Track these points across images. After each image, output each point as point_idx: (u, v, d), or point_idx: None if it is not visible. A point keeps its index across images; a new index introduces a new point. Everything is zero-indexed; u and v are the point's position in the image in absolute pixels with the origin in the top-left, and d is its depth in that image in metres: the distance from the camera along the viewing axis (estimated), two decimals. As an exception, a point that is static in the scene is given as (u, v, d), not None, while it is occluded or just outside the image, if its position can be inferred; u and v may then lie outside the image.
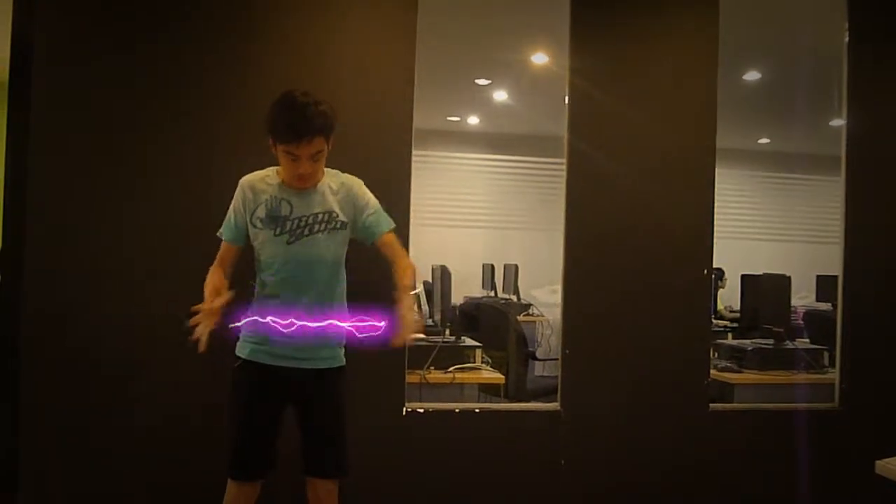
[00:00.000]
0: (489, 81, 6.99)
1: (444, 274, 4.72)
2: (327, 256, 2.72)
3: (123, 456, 3.41)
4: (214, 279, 2.69)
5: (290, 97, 2.61)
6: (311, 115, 2.57)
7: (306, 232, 2.70)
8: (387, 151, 3.62)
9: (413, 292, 2.65)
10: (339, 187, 2.79)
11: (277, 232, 2.69)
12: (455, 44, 5.57)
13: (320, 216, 2.72)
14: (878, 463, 2.44)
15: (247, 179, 2.77)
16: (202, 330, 2.43)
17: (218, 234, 2.79)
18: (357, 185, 2.82)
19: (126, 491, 3.42)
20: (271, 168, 2.80)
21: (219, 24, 3.54)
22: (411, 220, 3.64)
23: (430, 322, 5.03)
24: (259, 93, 3.38)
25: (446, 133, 8.71)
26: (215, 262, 2.77)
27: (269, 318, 2.69)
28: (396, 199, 3.61)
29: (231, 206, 2.77)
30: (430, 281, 5.68)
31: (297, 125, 2.56)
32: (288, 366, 2.72)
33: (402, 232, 3.59)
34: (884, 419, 3.92)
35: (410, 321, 2.53)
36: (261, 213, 2.71)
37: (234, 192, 2.79)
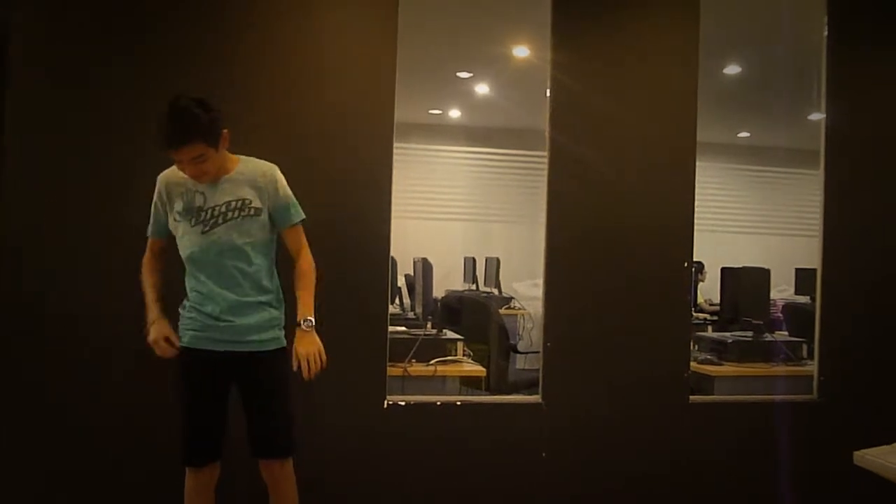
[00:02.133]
0: (471, 74, 6.98)
1: (425, 267, 4.72)
2: (242, 242, 2.75)
3: (99, 447, 3.41)
4: (147, 279, 2.88)
5: (168, 105, 2.62)
6: (181, 122, 2.60)
7: (220, 220, 2.75)
8: (369, 144, 3.61)
9: (309, 319, 2.79)
10: (252, 174, 2.82)
11: (193, 223, 2.75)
12: (436, 37, 5.56)
13: (232, 203, 2.77)
14: (856, 454, 2.46)
15: (163, 176, 2.86)
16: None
17: (147, 234, 2.92)
18: (272, 171, 2.85)
19: (103, 481, 3.42)
20: None
21: (199, 22, 3.52)
22: (393, 213, 3.63)
23: (411, 315, 5.03)
24: (240, 91, 3.42)
25: (428, 126, 8.68)
26: (144, 258, 2.92)
27: (202, 306, 2.77)
28: (378, 192, 3.62)
29: (152, 204, 2.87)
30: (412, 274, 5.67)
31: (168, 133, 2.60)
32: (227, 349, 2.77)
33: (384, 225, 3.61)
34: (862, 410, 3.96)
35: (310, 356, 2.74)
36: (178, 206, 2.79)
37: None
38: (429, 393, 3.91)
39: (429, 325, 4.48)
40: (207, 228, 2.73)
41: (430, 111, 8.36)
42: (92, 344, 3.40)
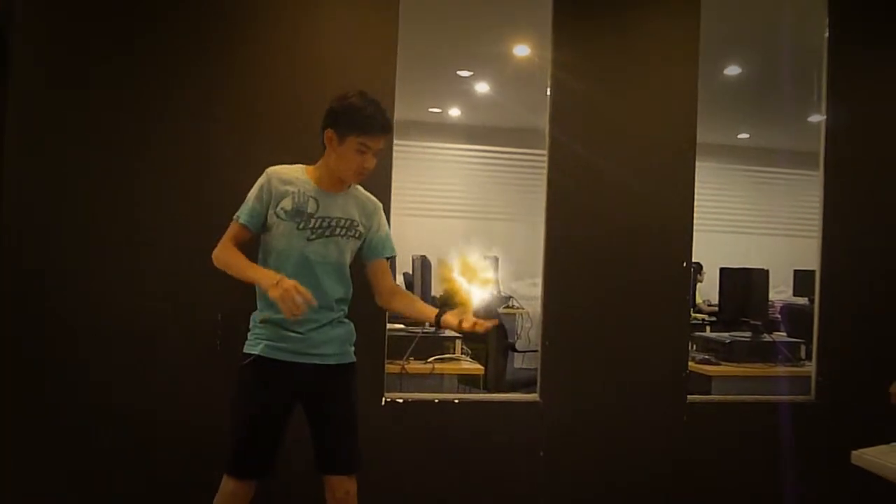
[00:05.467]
0: (471, 73, 6.98)
1: (424, 264, 4.72)
2: (342, 259, 2.78)
3: (109, 448, 3.41)
4: (239, 256, 2.70)
5: (366, 94, 2.71)
6: (386, 113, 2.72)
7: (328, 233, 2.74)
8: (368, 141, 3.60)
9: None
10: (363, 199, 2.88)
11: (300, 226, 2.72)
12: (437, 35, 5.56)
13: (343, 221, 2.78)
14: (854, 453, 2.47)
15: (274, 170, 2.79)
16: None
17: (235, 216, 2.76)
18: (379, 205, 2.94)
19: (104, 481, 3.42)
20: (299, 165, 2.83)
21: (199, 21, 3.52)
22: (392, 211, 3.63)
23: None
24: (240, 90, 3.43)
25: (428, 124, 8.68)
26: (226, 241, 2.74)
27: (280, 313, 2.64)
28: (378, 190, 3.60)
29: (253, 193, 2.76)
30: (410, 272, 5.67)
31: (381, 118, 2.69)
32: (303, 361, 2.73)
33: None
34: (859, 411, 3.95)
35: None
36: (287, 204, 2.72)
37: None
38: (426, 390, 3.91)
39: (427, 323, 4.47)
40: (314, 236, 2.72)
41: (430, 109, 8.36)
42: (93, 344, 3.39)
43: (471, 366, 4.32)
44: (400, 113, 3.64)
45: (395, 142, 3.63)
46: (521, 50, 5.93)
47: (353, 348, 2.87)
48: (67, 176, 3.41)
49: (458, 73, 6.92)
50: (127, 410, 3.39)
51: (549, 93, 3.83)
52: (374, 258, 2.89)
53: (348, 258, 2.82)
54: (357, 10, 3.67)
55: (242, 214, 2.75)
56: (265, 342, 2.73)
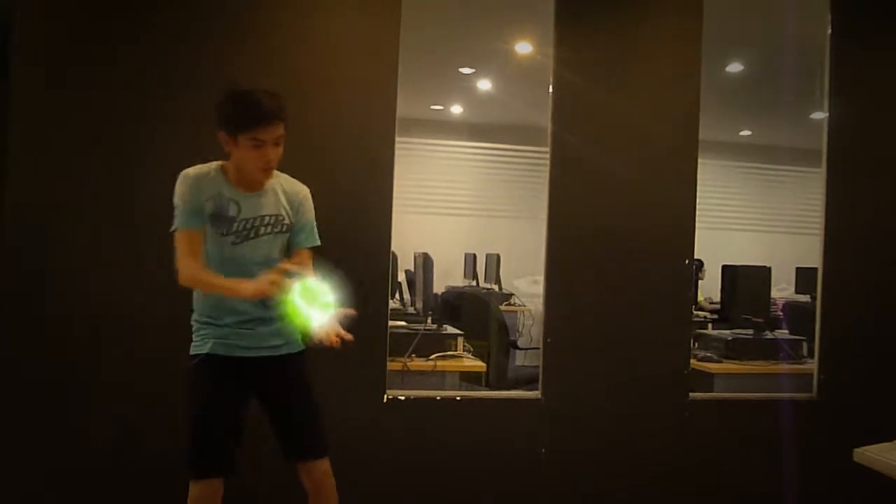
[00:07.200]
0: (473, 70, 6.98)
1: (426, 262, 4.71)
2: (272, 256, 2.68)
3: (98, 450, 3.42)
4: (219, 277, 2.60)
5: (243, 89, 2.56)
6: (270, 99, 2.56)
7: (252, 234, 2.66)
8: (371, 139, 3.61)
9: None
10: (290, 190, 2.76)
11: (224, 232, 2.63)
12: (439, 32, 5.56)
13: (267, 218, 2.68)
14: (856, 451, 2.46)
15: (191, 172, 2.66)
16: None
17: (173, 229, 2.62)
18: (306, 193, 2.79)
19: (102, 481, 3.42)
20: (212, 164, 2.70)
21: (201, 20, 3.52)
22: (394, 208, 3.63)
23: (411, 310, 5.03)
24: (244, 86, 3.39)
25: (430, 121, 8.68)
26: (188, 259, 2.59)
27: (219, 319, 2.67)
28: (380, 187, 3.62)
29: (178, 198, 2.62)
30: (412, 269, 5.67)
31: (261, 109, 2.52)
32: (254, 355, 2.70)
33: (385, 219, 3.61)
34: (861, 408, 3.96)
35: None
36: (208, 208, 2.62)
37: None
38: (428, 388, 3.91)
39: (429, 320, 4.48)
40: (239, 241, 2.64)
41: (432, 106, 8.36)
42: (92, 344, 3.40)
43: (473, 363, 4.32)
44: (402, 110, 3.64)
45: (397, 139, 3.63)
46: (524, 47, 5.92)
47: (300, 336, 2.78)
48: (69, 176, 3.41)
49: (461, 70, 6.92)
50: (127, 410, 3.40)
51: (551, 90, 3.83)
52: (294, 247, 2.76)
53: (279, 254, 2.71)
54: (359, 7, 3.67)
55: (182, 220, 2.61)
56: (213, 340, 2.68)
